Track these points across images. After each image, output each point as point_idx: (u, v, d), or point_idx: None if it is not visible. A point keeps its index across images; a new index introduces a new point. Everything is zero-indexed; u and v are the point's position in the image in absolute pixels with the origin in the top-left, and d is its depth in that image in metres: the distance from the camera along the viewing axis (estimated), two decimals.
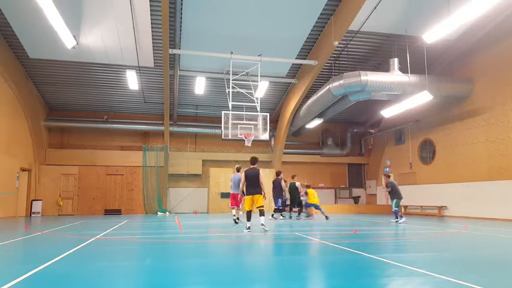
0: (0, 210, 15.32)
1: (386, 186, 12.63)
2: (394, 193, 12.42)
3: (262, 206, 8.85)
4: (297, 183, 14.78)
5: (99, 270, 4.60)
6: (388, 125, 20.69)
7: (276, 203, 14.04)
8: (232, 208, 11.60)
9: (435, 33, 11.28)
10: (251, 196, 8.92)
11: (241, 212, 11.65)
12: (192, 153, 21.04)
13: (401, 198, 12.50)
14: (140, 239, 8.29)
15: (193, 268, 4.77)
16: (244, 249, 6.86)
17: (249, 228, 8.71)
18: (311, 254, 6.06)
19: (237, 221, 11.43)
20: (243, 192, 10.06)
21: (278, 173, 14.36)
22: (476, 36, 14.61)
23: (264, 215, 8.84)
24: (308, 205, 14.74)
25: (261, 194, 8.86)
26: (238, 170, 11.97)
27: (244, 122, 12.90)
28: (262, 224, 8.74)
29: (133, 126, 19.83)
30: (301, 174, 22.45)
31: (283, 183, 14.11)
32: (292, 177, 15.22)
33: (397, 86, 14.15)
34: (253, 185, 8.89)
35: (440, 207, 16.92)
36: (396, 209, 12.33)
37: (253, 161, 9.23)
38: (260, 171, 9.00)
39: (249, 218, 8.95)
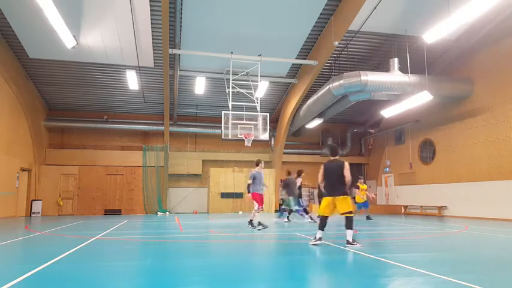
0: (0, 210, 15.32)
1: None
2: (289, 190, 11.99)
3: (351, 212, 6.50)
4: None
5: (99, 270, 4.60)
6: (388, 125, 20.68)
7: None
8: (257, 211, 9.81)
9: (435, 33, 11.28)
10: (332, 198, 6.59)
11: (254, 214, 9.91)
12: (192, 153, 21.04)
13: (294, 195, 12.09)
14: (140, 239, 8.29)
15: (193, 268, 4.77)
16: (244, 250, 6.86)
17: (319, 239, 6.60)
18: (311, 254, 6.05)
19: (253, 226, 9.80)
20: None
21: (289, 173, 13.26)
22: (476, 36, 14.60)
23: (351, 227, 6.45)
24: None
25: (347, 195, 6.61)
26: (257, 164, 10.14)
27: (244, 122, 12.89)
28: (349, 241, 6.42)
29: (133, 126, 19.83)
30: None
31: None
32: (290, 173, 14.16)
33: (397, 86, 14.15)
34: (334, 182, 6.64)
35: (440, 207, 16.91)
36: (296, 207, 11.86)
37: (334, 150, 7.05)
38: (345, 163, 6.68)
39: (322, 227, 6.66)
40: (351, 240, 6.40)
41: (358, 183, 13.65)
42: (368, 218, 13.67)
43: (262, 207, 9.88)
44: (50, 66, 16.03)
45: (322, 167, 6.93)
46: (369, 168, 23.49)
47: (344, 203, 6.49)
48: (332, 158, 6.97)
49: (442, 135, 17.16)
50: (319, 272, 4.73)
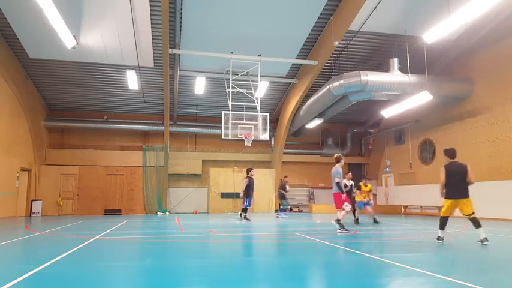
0: (0, 210, 15.31)
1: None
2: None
3: (473, 213, 6.74)
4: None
5: (99, 270, 4.60)
6: (388, 125, 20.68)
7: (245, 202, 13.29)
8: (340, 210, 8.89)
9: (435, 33, 11.29)
10: (456, 200, 6.75)
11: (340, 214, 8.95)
12: (192, 153, 21.03)
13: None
14: (140, 239, 8.29)
15: (193, 268, 4.77)
16: (244, 250, 6.86)
17: (442, 239, 6.88)
18: (311, 254, 6.05)
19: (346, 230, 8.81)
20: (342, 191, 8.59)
21: (248, 170, 13.61)
22: (476, 36, 14.60)
23: (480, 225, 6.73)
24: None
25: (469, 196, 6.75)
26: (338, 161, 9.11)
27: (244, 122, 12.90)
28: (483, 240, 6.65)
29: (133, 126, 19.83)
30: (301, 174, 22.53)
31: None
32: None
33: (397, 86, 14.15)
34: (459, 185, 6.71)
35: (440, 207, 16.87)
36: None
37: (453, 152, 6.96)
38: (468, 166, 6.85)
39: (443, 226, 6.97)
40: (482, 238, 6.65)
41: (360, 183, 12.67)
42: (375, 221, 12.11)
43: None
44: (50, 66, 16.03)
45: (443, 169, 6.85)
46: (369, 168, 23.49)
47: (468, 205, 6.68)
48: (451, 160, 6.96)
49: (442, 135, 17.16)
50: (319, 272, 4.73)
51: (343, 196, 8.93)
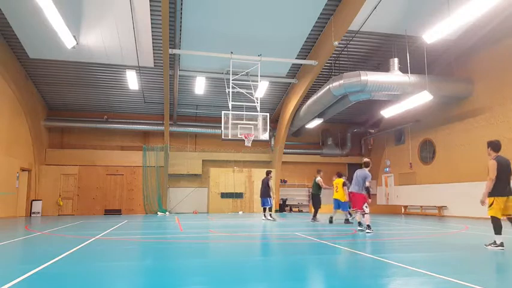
0: (0, 210, 15.31)
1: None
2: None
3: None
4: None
5: (99, 270, 4.60)
6: (388, 125, 20.68)
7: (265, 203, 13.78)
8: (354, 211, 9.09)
9: (435, 33, 11.29)
10: (506, 198, 6.05)
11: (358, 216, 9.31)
12: (192, 153, 21.04)
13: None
14: (140, 239, 8.29)
15: (193, 268, 4.77)
16: (244, 249, 6.85)
17: (502, 245, 6.05)
18: (311, 254, 6.05)
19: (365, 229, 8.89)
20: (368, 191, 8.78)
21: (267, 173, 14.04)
22: (476, 36, 14.60)
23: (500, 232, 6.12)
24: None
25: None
26: (367, 166, 9.55)
27: (244, 122, 12.89)
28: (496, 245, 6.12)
29: (133, 126, 19.83)
30: (301, 174, 22.53)
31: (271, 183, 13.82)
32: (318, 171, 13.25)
33: (397, 86, 14.15)
34: (509, 180, 6.12)
35: (440, 207, 16.91)
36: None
37: (499, 145, 6.36)
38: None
39: (500, 229, 6.10)
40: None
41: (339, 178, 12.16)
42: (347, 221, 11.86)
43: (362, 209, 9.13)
44: (50, 66, 16.03)
45: (494, 162, 6.13)
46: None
47: None
48: (496, 153, 6.29)
49: (442, 135, 17.16)
50: (319, 272, 4.73)
51: (370, 200, 9.23)
